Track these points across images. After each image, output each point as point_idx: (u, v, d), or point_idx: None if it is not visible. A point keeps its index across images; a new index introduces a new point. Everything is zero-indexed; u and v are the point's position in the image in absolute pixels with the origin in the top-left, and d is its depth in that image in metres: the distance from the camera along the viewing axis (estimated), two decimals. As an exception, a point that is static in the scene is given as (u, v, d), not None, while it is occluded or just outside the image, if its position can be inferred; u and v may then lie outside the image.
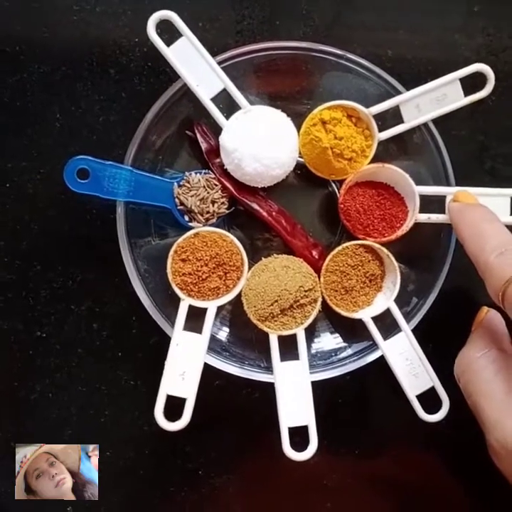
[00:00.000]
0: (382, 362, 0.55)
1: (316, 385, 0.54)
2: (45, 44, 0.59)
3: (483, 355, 0.44)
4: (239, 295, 0.56)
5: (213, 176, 0.57)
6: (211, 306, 0.55)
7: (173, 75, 0.56)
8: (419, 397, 0.54)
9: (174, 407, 0.53)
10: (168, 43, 0.54)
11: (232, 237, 0.56)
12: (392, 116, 0.57)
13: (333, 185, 0.60)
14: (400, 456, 0.60)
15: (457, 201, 0.51)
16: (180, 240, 0.55)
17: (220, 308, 0.57)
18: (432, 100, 0.55)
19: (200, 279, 0.55)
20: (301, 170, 0.59)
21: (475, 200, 0.51)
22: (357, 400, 0.60)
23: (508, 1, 0.61)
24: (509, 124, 0.61)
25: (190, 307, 0.55)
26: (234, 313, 0.59)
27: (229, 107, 0.57)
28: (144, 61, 0.59)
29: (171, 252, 0.55)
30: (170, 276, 0.55)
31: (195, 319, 0.55)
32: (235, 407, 0.60)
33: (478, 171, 0.61)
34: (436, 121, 0.57)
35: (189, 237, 0.55)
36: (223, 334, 0.59)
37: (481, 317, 0.51)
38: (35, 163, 0.59)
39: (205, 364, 0.54)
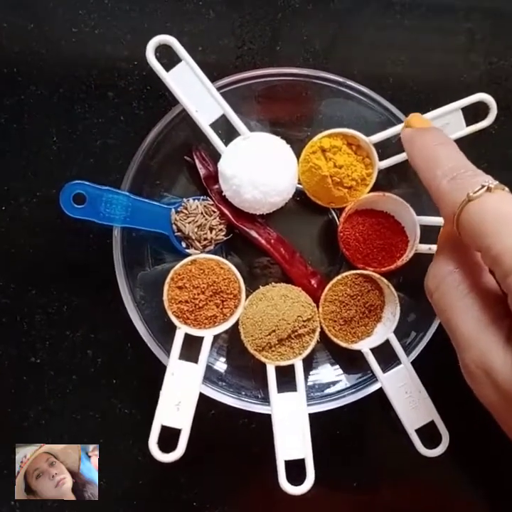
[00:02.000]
0: (380, 394, 0.54)
1: (314, 417, 0.53)
2: (43, 66, 0.59)
3: (458, 269, 0.40)
4: (236, 324, 0.55)
5: (211, 202, 0.56)
6: (207, 335, 0.54)
7: (172, 100, 0.55)
8: (418, 430, 0.53)
9: (169, 437, 0.52)
10: (168, 67, 0.54)
11: (229, 264, 0.55)
12: (394, 144, 0.56)
13: (333, 212, 0.59)
14: (399, 489, 0.59)
15: (409, 127, 0.46)
16: (177, 266, 0.54)
17: (216, 337, 0.56)
18: (434, 129, 0.54)
19: (197, 307, 0.54)
20: (300, 197, 0.58)
21: (429, 124, 0.47)
22: (355, 433, 0.59)
23: (509, 30, 0.60)
24: (511, 152, 0.60)
25: (187, 335, 0.54)
26: (231, 343, 0.58)
27: (228, 132, 0.56)
28: (143, 85, 0.59)
29: (168, 279, 0.54)
30: (166, 304, 0.54)
31: (191, 348, 0.54)
32: (231, 438, 0.59)
33: (480, 199, 0.60)
34: (438, 149, 0.56)
35: (186, 264, 0.55)
36: (220, 364, 0.58)
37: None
38: (31, 185, 0.59)
39: (201, 394, 0.53)
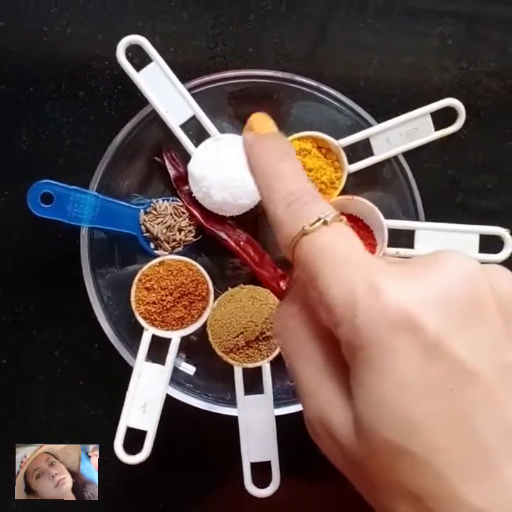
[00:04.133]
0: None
1: (282, 420, 0.53)
2: (12, 64, 0.58)
3: (303, 311, 0.34)
4: (204, 325, 0.55)
5: (181, 203, 0.56)
6: (175, 337, 0.54)
7: (143, 100, 0.55)
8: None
9: (135, 439, 0.51)
10: (139, 67, 0.54)
11: (198, 266, 0.55)
12: (364, 149, 0.56)
13: (304, 215, 0.59)
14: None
15: (251, 130, 0.38)
16: (145, 268, 0.54)
17: (184, 339, 0.56)
18: (403, 134, 0.55)
19: (165, 308, 0.54)
20: (271, 199, 0.58)
21: (271, 127, 0.39)
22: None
23: (481, 36, 0.61)
24: (481, 158, 0.61)
25: (154, 337, 0.54)
26: (199, 345, 0.57)
27: (199, 134, 0.56)
28: (114, 84, 0.58)
29: (135, 280, 0.54)
30: (133, 305, 0.54)
31: (158, 349, 0.54)
32: (198, 441, 0.58)
33: (450, 204, 0.61)
34: (408, 154, 0.56)
35: (154, 265, 0.54)
36: (187, 366, 0.57)
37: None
38: (-1, 184, 0.58)
39: (168, 396, 0.53)
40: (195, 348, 0.58)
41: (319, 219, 0.30)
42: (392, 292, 0.25)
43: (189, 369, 0.57)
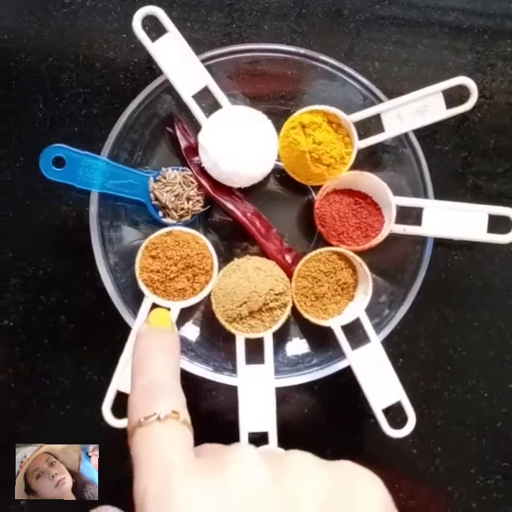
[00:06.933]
0: (351, 375, 0.54)
1: (283, 394, 0.53)
2: (33, 35, 0.60)
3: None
4: (205, 298, 0.55)
5: (190, 173, 0.57)
6: (175, 307, 0.54)
7: (158, 72, 0.56)
8: (385, 411, 0.53)
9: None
10: (155, 40, 0.54)
11: (205, 240, 0.55)
12: (376, 127, 0.56)
13: (313, 193, 0.59)
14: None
15: (148, 323, 0.41)
16: (153, 236, 0.55)
17: (191, 309, 0.56)
18: (414, 111, 0.54)
19: (168, 278, 0.54)
20: (280, 174, 0.58)
21: (167, 325, 0.41)
22: (323, 412, 0.59)
23: (496, 19, 0.61)
24: (493, 141, 0.61)
25: (155, 306, 0.54)
26: (203, 314, 0.58)
27: (211, 107, 0.57)
28: (131, 57, 0.60)
29: (142, 247, 0.54)
30: (137, 272, 0.54)
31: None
32: (198, 410, 0.58)
33: (461, 187, 0.61)
34: (420, 136, 0.56)
35: (162, 234, 0.55)
36: (191, 334, 0.58)
37: None
38: (15, 151, 0.59)
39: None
40: (201, 317, 0.58)
41: (155, 414, 0.33)
42: (182, 499, 0.28)
43: (193, 337, 0.57)
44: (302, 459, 0.32)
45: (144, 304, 0.54)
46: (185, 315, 0.56)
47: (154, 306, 0.54)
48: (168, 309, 0.53)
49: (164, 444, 0.32)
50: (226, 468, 0.30)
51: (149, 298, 0.54)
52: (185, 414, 0.35)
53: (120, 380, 0.52)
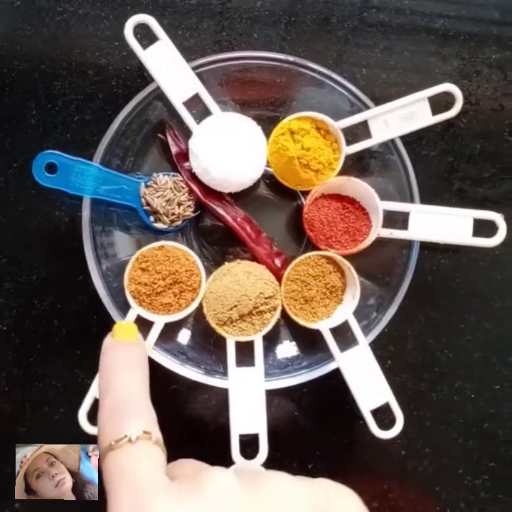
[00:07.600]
0: (339, 378, 0.55)
1: (273, 396, 0.54)
2: (27, 42, 0.61)
3: None
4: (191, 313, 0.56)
5: (181, 178, 0.57)
6: (158, 321, 0.55)
7: (150, 79, 0.57)
8: (373, 412, 0.54)
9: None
10: (147, 47, 0.55)
11: (196, 257, 0.56)
12: (363, 133, 0.57)
13: (302, 198, 0.60)
14: (353, 471, 0.60)
15: (113, 336, 0.41)
16: (144, 249, 0.55)
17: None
18: (401, 117, 0.55)
19: (155, 291, 0.55)
20: (270, 179, 0.59)
21: (133, 338, 0.41)
22: (313, 414, 0.60)
23: (482, 27, 0.62)
24: (479, 146, 0.62)
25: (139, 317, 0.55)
26: (194, 317, 0.58)
27: (202, 112, 0.57)
28: (123, 64, 0.61)
29: (132, 259, 0.55)
30: (126, 282, 0.55)
31: (145, 328, 0.55)
32: (189, 412, 0.59)
33: (447, 191, 0.62)
34: (407, 142, 0.57)
35: (154, 248, 0.55)
36: (182, 337, 0.58)
37: None
38: (8, 157, 0.60)
39: (161, 367, 0.54)
40: (192, 321, 0.59)
41: (125, 436, 0.32)
42: None
43: (184, 340, 0.58)
44: (280, 480, 0.32)
45: (128, 315, 0.54)
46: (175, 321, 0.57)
47: (139, 317, 0.55)
48: (153, 322, 0.54)
49: (137, 466, 0.32)
50: (201, 493, 0.30)
51: (135, 310, 0.54)
52: (156, 433, 0.34)
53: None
